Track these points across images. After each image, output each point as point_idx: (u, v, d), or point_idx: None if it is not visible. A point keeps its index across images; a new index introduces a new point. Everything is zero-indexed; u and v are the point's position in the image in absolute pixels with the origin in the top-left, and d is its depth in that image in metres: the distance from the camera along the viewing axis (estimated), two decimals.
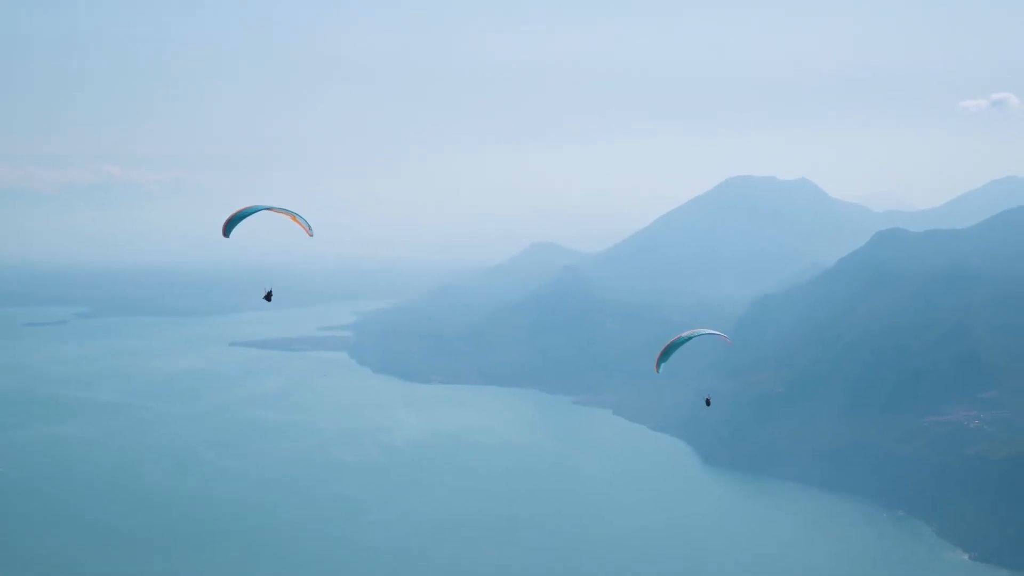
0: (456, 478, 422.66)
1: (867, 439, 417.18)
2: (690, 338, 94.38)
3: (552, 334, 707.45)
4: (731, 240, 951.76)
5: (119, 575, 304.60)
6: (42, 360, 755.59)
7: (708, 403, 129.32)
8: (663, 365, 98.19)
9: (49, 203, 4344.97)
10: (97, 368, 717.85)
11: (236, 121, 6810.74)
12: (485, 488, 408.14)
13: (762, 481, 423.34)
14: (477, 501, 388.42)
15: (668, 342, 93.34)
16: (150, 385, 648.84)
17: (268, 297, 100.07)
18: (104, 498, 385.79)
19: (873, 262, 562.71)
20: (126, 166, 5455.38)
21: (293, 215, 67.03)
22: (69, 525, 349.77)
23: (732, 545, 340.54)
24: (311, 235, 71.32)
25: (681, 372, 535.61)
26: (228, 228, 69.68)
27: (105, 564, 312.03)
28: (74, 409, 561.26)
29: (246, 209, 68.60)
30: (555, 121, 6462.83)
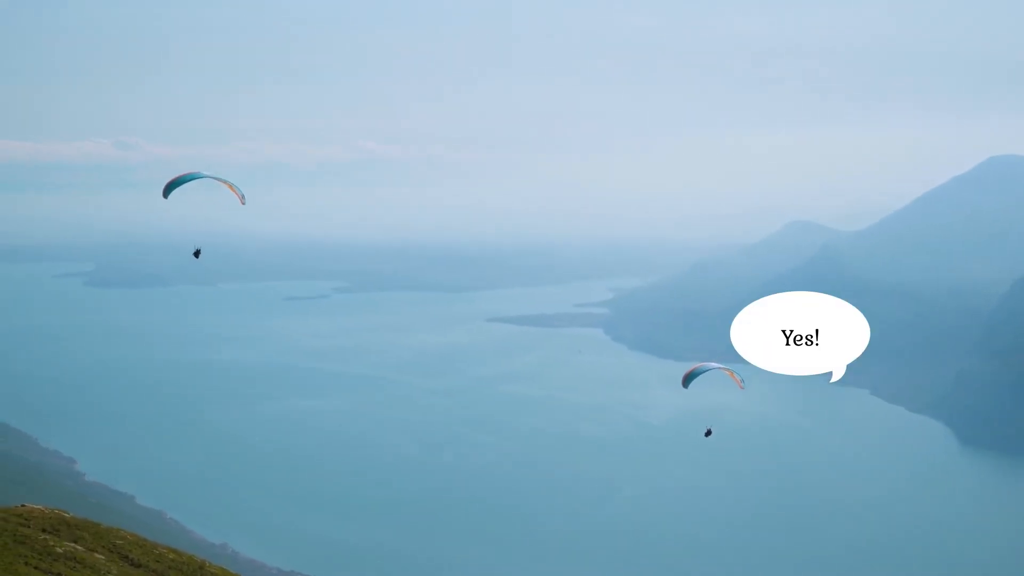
0: (708, 456, 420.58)
1: None
2: (715, 368, 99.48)
3: None
4: (991, 220, 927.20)
5: (373, 546, 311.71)
6: (301, 334, 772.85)
7: (708, 434, 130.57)
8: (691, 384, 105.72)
9: (307, 178, 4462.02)
10: (354, 342, 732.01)
11: (488, 100, 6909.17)
12: (736, 468, 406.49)
13: (1021, 463, 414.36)
14: (728, 482, 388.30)
15: (692, 368, 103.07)
16: (406, 360, 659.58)
17: (196, 254, 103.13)
18: (357, 470, 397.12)
19: None
20: (383, 141, 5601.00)
21: (230, 184, 72.28)
22: (322, 497, 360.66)
23: (986, 532, 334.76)
24: (243, 203, 76.29)
25: (939, 352, 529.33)
26: (167, 191, 75.54)
27: (355, 536, 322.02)
28: (330, 383, 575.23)
29: (187, 175, 76.08)
30: (813, 99, 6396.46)
